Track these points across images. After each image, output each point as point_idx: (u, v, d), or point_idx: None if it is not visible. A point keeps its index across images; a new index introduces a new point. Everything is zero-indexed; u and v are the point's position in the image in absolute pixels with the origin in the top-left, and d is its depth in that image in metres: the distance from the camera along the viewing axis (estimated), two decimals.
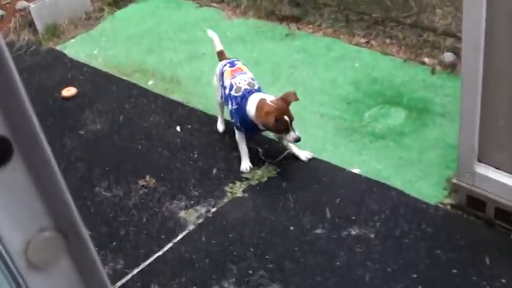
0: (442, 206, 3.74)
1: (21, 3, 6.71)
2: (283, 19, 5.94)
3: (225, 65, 4.39)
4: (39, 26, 6.56)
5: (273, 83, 5.06)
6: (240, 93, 4.15)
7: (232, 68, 4.35)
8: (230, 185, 4.12)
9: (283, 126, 3.90)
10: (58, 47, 6.32)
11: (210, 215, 3.92)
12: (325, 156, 4.23)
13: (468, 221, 3.63)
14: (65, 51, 6.20)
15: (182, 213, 3.97)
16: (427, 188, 3.86)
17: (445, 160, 4.02)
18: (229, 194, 4.06)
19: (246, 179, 4.13)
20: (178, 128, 4.76)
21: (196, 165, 4.35)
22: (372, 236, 3.60)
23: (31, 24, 6.62)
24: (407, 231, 3.60)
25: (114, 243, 3.84)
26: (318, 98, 4.79)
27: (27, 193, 0.75)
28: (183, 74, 5.45)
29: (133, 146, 4.66)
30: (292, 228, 3.74)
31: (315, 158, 4.23)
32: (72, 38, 6.45)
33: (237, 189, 4.07)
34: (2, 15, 6.69)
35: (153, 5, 6.77)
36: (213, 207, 3.98)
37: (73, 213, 0.77)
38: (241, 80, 4.23)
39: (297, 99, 4.03)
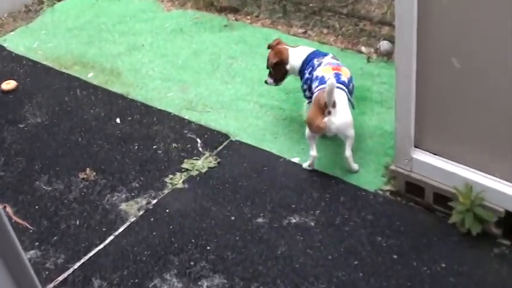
0: (381, 192, 3.81)
1: None
2: (221, 10, 5.95)
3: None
4: None
5: (212, 74, 5.08)
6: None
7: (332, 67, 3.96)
8: (170, 176, 4.12)
9: None
10: None
11: (151, 207, 3.91)
12: (265, 146, 4.26)
13: (407, 207, 3.71)
14: (4, 45, 6.08)
15: (123, 206, 3.96)
16: (366, 175, 3.93)
17: (384, 147, 4.09)
18: (169, 185, 4.05)
19: (186, 170, 4.14)
20: (118, 120, 4.73)
21: (137, 157, 4.33)
22: (313, 224, 3.65)
23: None
24: (348, 219, 3.66)
25: (55, 238, 3.80)
26: (257, 88, 4.82)
27: None
28: (123, 65, 5.41)
29: (74, 138, 4.61)
30: (233, 218, 3.76)
31: (255, 147, 4.25)
32: (11, 31, 6.33)
33: (178, 181, 4.07)
34: None
35: None
36: (154, 198, 3.97)
37: None
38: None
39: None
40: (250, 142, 4.31)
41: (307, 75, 4.06)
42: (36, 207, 4.04)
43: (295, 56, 4.19)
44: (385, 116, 4.33)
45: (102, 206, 3.98)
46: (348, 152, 3.85)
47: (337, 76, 3.83)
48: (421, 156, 3.57)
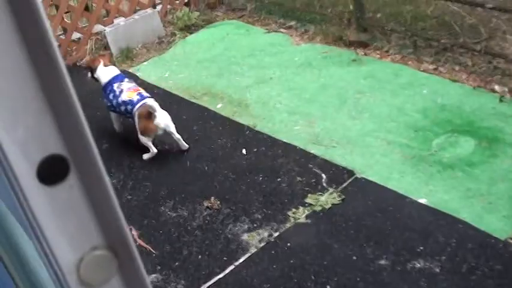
0: None
1: (97, 27, 6.90)
2: (350, 44, 5.93)
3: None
4: (114, 49, 6.73)
5: (339, 108, 5.04)
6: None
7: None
8: (293, 210, 4.09)
9: None
10: (131, 69, 6.46)
11: (272, 239, 3.90)
12: (391, 185, 4.15)
13: None
14: (138, 74, 6.33)
15: (245, 236, 3.97)
16: (497, 222, 3.73)
17: None
18: (292, 219, 4.03)
19: (310, 204, 4.10)
20: (244, 151, 4.77)
21: (261, 189, 4.35)
22: (438, 270, 3.50)
23: (106, 47, 6.80)
24: (475, 267, 3.47)
25: (176, 263, 3.86)
26: (385, 124, 4.73)
27: (81, 211, 0.76)
28: (251, 97, 5.48)
29: (200, 167, 4.69)
30: (355, 258, 3.67)
31: (381, 186, 4.16)
32: (145, 61, 6.59)
33: (300, 215, 4.04)
34: (79, 38, 6.89)
35: (223, 30, 6.86)
36: (276, 231, 3.95)
37: (125, 232, 0.78)
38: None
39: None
40: (376, 180, 4.23)
41: (110, 97, 5.04)
42: (160, 232, 4.13)
43: (103, 73, 5.20)
44: None
45: (224, 235, 4.01)
46: (177, 135, 4.88)
47: (141, 95, 4.95)
48: None
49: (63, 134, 0.71)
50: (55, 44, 0.65)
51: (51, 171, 0.71)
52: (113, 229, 0.74)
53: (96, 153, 0.71)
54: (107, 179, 0.71)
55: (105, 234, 0.74)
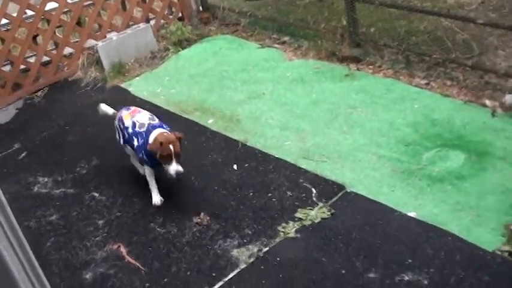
0: (500, 253, 3.60)
1: (89, 41, 6.92)
2: (343, 60, 5.94)
3: (121, 112, 4.73)
4: (106, 64, 6.74)
5: (331, 123, 5.04)
6: (145, 129, 4.46)
7: (130, 110, 4.68)
8: (283, 224, 4.08)
9: (166, 153, 4.21)
10: (123, 85, 6.47)
11: (262, 255, 3.88)
12: (381, 199, 4.15)
13: None
14: (130, 89, 6.33)
15: (234, 252, 3.95)
16: (485, 234, 3.73)
17: (505, 205, 3.89)
18: (281, 233, 4.01)
19: (299, 219, 4.08)
20: (235, 166, 4.77)
21: (251, 204, 4.34)
22: (426, 282, 3.48)
23: (98, 62, 6.81)
24: (463, 279, 3.47)
25: (165, 280, 3.83)
26: (376, 139, 4.73)
27: None
28: (243, 113, 5.48)
29: (190, 183, 4.68)
30: (344, 271, 3.66)
31: (370, 200, 4.15)
32: (137, 76, 6.60)
33: (290, 230, 4.02)
34: (71, 53, 6.90)
35: (216, 45, 6.87)
36: (265, 246, 3.94)
37: None
38: (142, 117, 4.56)
39: (179, 137, 4.37)
40: (366, 194, 4.22)
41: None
42: (149, 248, 4.11)
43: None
44: (508, 172, 4.13)
45: (214, 251, 3.99)
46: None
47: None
48: None
49: None
50: None
51: None
52: None
53: None
54: None
55: None
